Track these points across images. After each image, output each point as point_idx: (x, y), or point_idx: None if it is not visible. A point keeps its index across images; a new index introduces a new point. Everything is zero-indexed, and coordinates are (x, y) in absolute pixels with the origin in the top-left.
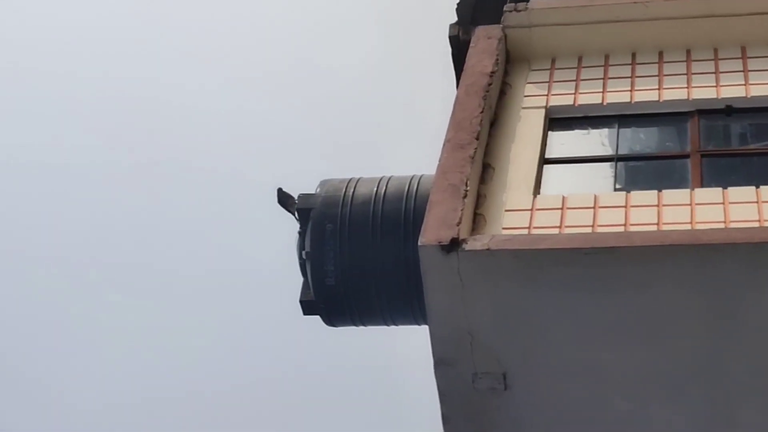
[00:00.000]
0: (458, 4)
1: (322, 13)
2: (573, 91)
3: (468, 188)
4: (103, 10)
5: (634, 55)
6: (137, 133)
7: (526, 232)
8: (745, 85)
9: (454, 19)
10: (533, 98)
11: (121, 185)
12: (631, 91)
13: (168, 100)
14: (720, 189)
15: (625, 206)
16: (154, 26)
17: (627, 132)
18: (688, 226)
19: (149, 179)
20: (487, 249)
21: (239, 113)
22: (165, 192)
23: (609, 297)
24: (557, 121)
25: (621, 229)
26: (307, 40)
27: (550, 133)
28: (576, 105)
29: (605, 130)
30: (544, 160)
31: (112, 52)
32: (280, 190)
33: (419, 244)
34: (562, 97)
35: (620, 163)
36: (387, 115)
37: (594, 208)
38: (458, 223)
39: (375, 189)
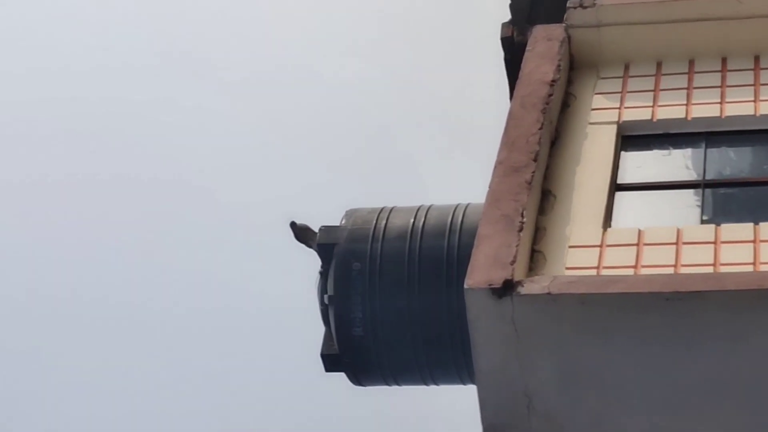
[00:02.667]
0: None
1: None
2: (651, 104)
3: (524, 220)
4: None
5: (724, 61)
6: (109, 146)
7: (594, 272)
8: None
9: (508, 17)
10: (603, 112)
11: (99, 204)
12: (721, 103)
13: (158, 110)
14: None
15: (715, 242)
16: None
17: (716, 152)
18: None
19: (129, 198)
20: (548, 293)
21: (241, 123)
22: (152, 214)
23: (696, 351)
24: (632, 139)
25: (710, 269)
26: (317, 41)
27: (623, 153)
28: (654, 120)
29: (690, 150)
30: (615, 186)
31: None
32: (294, 225)
33: (465, 286)
34: (638, 111)
35: (708, 190)
36: (426, 132)
37: (677, 244)
38: (513, 262)
39: (412, 221)
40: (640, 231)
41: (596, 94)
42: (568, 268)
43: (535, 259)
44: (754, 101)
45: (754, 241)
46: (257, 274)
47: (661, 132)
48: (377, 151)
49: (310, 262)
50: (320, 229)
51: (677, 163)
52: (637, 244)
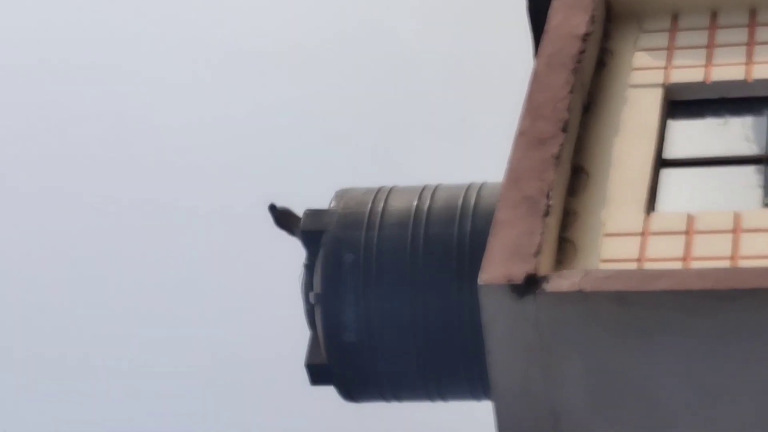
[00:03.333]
0: None
1: None
2: (704, 63)
3: (551, 202)
4: None
5: None
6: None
7: (635, 266)
8: None
9: None
10: (646, 72)
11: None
12: None
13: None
14: None
15: None
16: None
17: None
18: None
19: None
20: (579, 290)
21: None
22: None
23: (757, 360)
24: (681, 105)
25: None
26: None
27: (670, 122)
28: (708, 82)
29: (750, 119)
30: (661, 162)
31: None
32: (273, 208)
33: (479, 282)
34: (689, 71)
35: None
36: (431, 97)
37: (734, 231)
38: (536, 253)
39: (415, 203)
40: (690, 216)
41: (638, 50)
42: (603, 261)
43: (564, 250)
44: None
45: None
46: (231, 267)
47: (716, 96)
48: (378, 119)
49: (293, 252)
50: (305, 213)
51: (736, 134)
52: (687, 232)
